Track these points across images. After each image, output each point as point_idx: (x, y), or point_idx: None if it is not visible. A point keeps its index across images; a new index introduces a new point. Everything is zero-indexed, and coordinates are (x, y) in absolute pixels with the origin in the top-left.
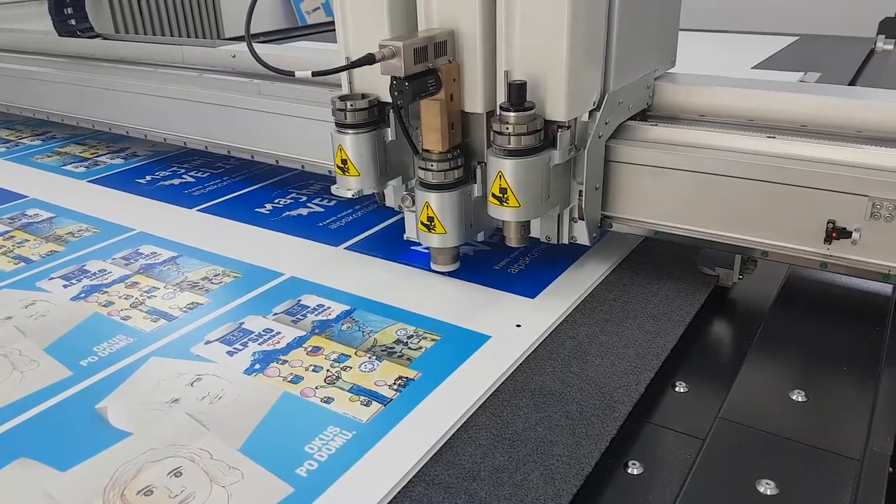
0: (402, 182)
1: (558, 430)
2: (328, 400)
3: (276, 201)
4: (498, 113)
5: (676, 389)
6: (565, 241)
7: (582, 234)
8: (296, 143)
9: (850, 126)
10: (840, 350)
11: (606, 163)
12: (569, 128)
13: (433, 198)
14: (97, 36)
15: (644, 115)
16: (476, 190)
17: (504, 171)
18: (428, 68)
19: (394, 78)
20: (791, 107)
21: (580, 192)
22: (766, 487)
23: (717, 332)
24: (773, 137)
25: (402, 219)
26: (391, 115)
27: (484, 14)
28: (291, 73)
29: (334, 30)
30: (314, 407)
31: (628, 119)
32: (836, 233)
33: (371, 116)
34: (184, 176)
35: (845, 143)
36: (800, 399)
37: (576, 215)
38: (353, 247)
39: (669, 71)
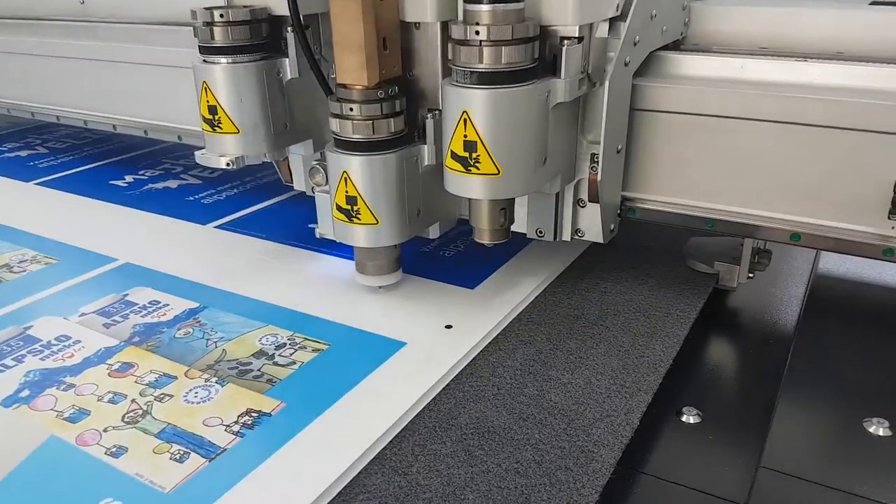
0: (312, 149)
1: (503, 500)
2: (118, 452)
3: (141, 173)
4: (462, 9)
5: (684, 419)
6: (566, 236)
7: (594, 227)
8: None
9: None
10: None
11: (632, 112)
12: (580, 41)
13: (356, 164)
14: None
15: (676, 48)
16: (426, 155)
17: (471, 109)
18: None
19: None
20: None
21: (593, 156)
22: None
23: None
24: (805, 60)
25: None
26: (290, 36)
27: None
28: None
29: None
30: (91, 463)
31: (661, 49)
32: None
33: (257, 37)
34: (37, 147)
35: None
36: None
37: (584, 196)
38: (227, 225)
39: None
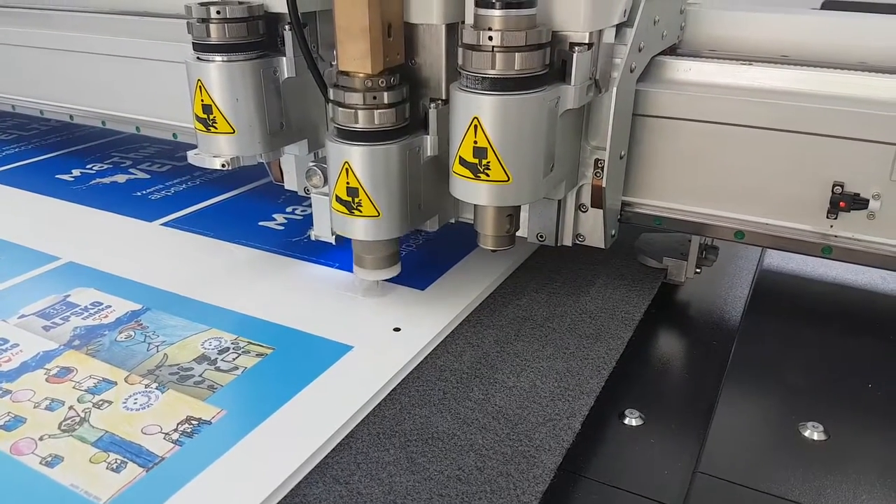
0: (308, 149)
1: None
2: (53, 461)
3: (89, 167)
4: (473, 14)
5: (627, 421)
6: (567, 241)
7: (595, 232)
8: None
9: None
10: None
11: (633, 118)
12: (589, 48)
13: (358, 155)
14: None
15: (672, 52)
16: (429, 146)
17: (482, 116)
18: None
19: None
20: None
21: (598, 161)
22: None
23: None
24: (751, 64)
25: (258, 187)
26: (287, 34)
27: None
28: None
29: None
30: (25, 473)
31: (661, 53)
32: (844, 201)
33: (254, 34)
34: None
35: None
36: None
37: (586, 201)
38: (174, 222)
39: None
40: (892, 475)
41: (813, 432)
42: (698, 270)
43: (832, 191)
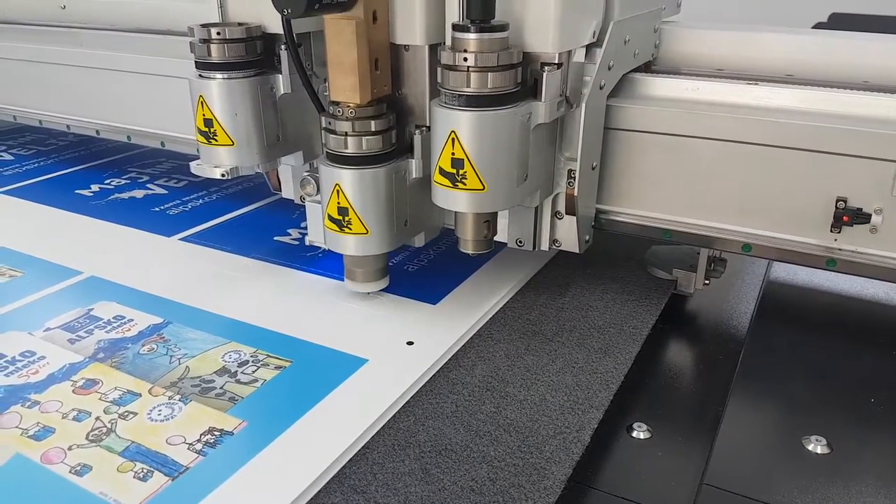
0: (303, 160)
1: None
2: (82, 470)
3: (107, 182)
4: (450, 37)
5: (634, 435)
6: (544, 246)
7: (570, 237)
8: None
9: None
10: None
11: (605, 131)
12: (559, 67)
13: (347, 178)
14: None
15: (648, 69)
16: (414, 169)
17: (459, 130)
18: None
19: None
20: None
21: (570, 172)
22: None
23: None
24: (756, 84)
25: (273, 202)
26: (283, 53)
27: None
28: None
29: None
30: (56, 481)
31: (633, 71)
32: (847, 216)
33: (252, 54)
34: (2, 154)
35: (864, 92)
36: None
37: (561, 208)
38: (191, 237)
39: (673, 18)
40: (894, 488)
41: (816, 446)
42: (707, 282)
43: (836, 206)
